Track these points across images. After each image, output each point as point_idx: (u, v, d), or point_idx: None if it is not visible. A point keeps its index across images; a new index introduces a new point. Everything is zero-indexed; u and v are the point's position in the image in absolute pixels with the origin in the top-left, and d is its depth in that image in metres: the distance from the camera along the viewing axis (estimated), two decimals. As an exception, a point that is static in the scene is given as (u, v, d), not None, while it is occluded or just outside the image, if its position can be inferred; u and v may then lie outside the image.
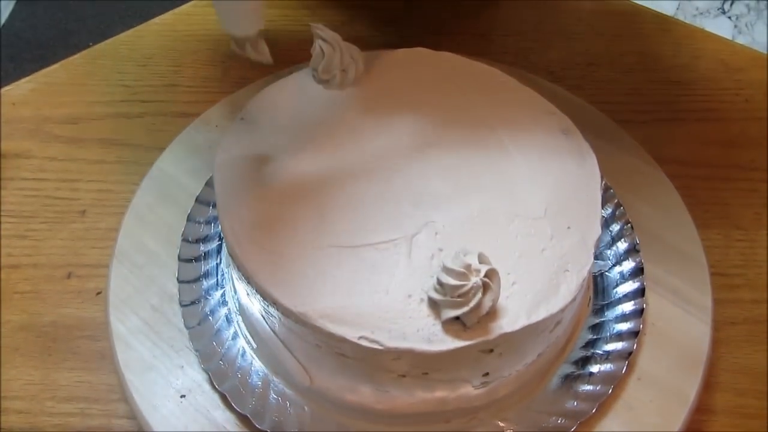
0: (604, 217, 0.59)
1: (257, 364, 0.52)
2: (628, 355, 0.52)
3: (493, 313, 0.43)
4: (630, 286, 0.56)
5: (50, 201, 0.66)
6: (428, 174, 0.51)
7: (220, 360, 0.52)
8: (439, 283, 0.43)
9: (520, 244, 0.47)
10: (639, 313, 0.55)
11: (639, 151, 0.66)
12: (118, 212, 0.63)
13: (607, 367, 0.52)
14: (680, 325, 0.55)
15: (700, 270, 0.58)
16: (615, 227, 0.60)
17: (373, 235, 0.47)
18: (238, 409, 0.49)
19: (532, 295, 0.45)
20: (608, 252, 0.59)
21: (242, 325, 0.54)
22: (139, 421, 0.51)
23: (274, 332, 0.49)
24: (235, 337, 0.54)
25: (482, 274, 0.42)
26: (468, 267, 0.42)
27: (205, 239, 0.59)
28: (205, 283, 0.57)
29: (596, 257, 0.53)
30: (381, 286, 0.45)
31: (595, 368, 0.52)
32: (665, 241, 0.60)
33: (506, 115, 0.55)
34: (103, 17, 1.90)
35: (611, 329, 0.54)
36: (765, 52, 0.83)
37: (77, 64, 0.79)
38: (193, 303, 0.55)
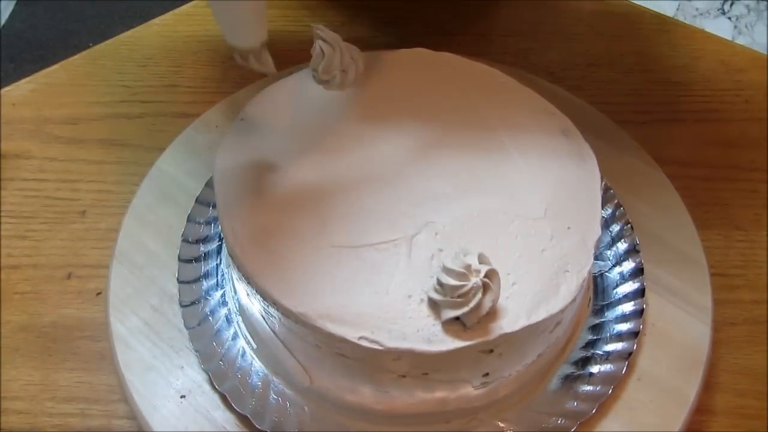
0: (604, 217, 0.59)
1: (257, 365, 0.52)
2: (628, 356, 0.52)
3: (493, 314, 0.43)
4: (630, 287, 0.56)
5: (50, 201, 0.66)
6: (428, 174, 0.51)
7: (220, 360, 0.52)
8: (439, 283, 0.43)
9: (520, 245, 0.47)
10: (639, 313, 0.55)
11: (639, 152, 0.66)
12: (118, 213, 0.63)
13: (607, 367, 0.52)
14: (680, 326, 0.55)
15: (700, 270, 0.58)
16: (615, 228, 0.60)
17: (373, 235, 0.47)
18: (238, 410, 0.49)
19: (532, 295, 0.45)
20: (608, 252, 0.59)
21: (242, 325, 0.54)
22: (139, 422, 0.51)
23: (274, 332, 0.49)
24: (235, 337, 0.54)
25: (482, 274, 0.42)
26: (468, 267, 0.42)
27: (205, 240, 0.59)
28: (205, 284, 0.57)
29: (596, 258, 0.53)
30: (381, 287, 0.45)
31: (595, 369, 0.52)
32: (665, 241, 0.60)
33: (506, 115, 0.55)
34: (103, 18, 1.90)
35: (611, 330, 0.54)
36: (765, 52, 0.83)
37: (77, 64, 0.79)
38: (193, 303, 0.55)
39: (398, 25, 0.84)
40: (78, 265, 0.62)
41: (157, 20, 0.84)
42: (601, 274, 0.58)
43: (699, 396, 0.52)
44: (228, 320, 0.55)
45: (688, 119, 0.75)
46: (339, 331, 0.43)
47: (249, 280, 0.46)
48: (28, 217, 0.65)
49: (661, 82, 0.79)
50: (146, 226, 0.61)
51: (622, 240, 0.59)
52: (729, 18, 1.95)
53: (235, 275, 0.52)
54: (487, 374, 0.47)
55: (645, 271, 0.57)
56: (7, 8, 1.92)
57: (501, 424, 0.50)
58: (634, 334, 0.53)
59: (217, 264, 0.58)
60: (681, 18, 1.86)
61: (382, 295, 0.44)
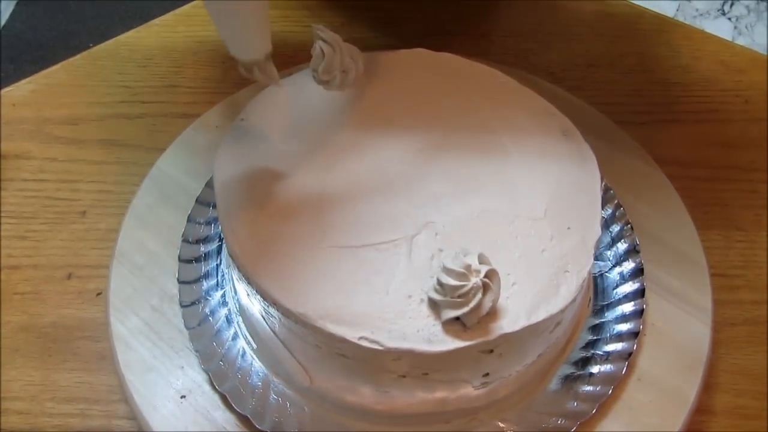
0: (604, 217, 0.59)
1: (257, 365, 0.53)
2: (628, 356, 0.52)
3: (493, 314, 0.43)
4: (630, 287, 0.56)
5: (50, 202, 0.66)
6: (428, 174, 0.51)
7: (221, 360, 0.52)
8: (439, 283, 0.43)
9: (520, 245, 0.47)
10: (639, 313, 0.55)
11: (639, 152, 0.66)
12: (118, 213, 0.63)
13: (607, 367, 0.52)
14: (680, 326, 0.55)
15: (700, 271, 0.58)
16: (615, 228, 0.60)
17: (374, 235, 0.47)
18: (238, 410, 0.49)
19: (532, 295, 0.45)
20: (608, 253, 0.59)
21: (242, 325, 0.54)
22: (139, 422, 0.51)
23: (274, 333, 0.49)
24: (235, 337, 0.54)
25: (482, 274, 0.42)
26: (468, 267, 0.42)
27: (206, 240, 0.59)
28: (206, 284, 0.57)
29: (596, 258, 0.53)
30: (381, 287, 0.45)
31: (595, 369, 0.52)
32: (665, 242, 0.60)
33: (506, 116, 0.55)
34: (104, 18, 1.90)
35: (611, 330, 0.54)
36: (765, 53, 0.83)
37: (77, 65, 0.79)
38: (193, 304, 0.55)
39: (398, 26, 0.84)
40: (78, 265, 0.62)
41: (157, 21, 0.84)
42: (601, 275, 0.58)
43: (699, 396, 0.52)
44: (228, 320, 0.55)
45: (688, 120, 0.75)
46: (339, 331, 0.43)
47: (249, 280, 0.46)
48: (29, 218, 0.65)
49: (661, 82, 0.79)
50: (146, 226, 0.61)
51: (622, 240, 0.59)
52: (729, 18, 1.95)
53: (235, 275, 0.52)
54: (487, 374, 0.47)
55: (645, 271, 0.57)
56: (8, 9, 1.93)
57: (501, 425, 0.50)
58: (634, 335, 0.53)
59: (217, 264, 0.58)
60: (681, 18, 1.86)
61: (382, 295, 0.44)
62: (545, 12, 0.87)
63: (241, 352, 0.53)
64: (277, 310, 0.45)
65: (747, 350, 0.58)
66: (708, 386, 0.54)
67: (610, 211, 0.61)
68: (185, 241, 0.59)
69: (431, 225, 0.48)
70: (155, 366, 0.53)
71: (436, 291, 0.43)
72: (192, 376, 0.53)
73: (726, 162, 0.71)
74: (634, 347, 0.53)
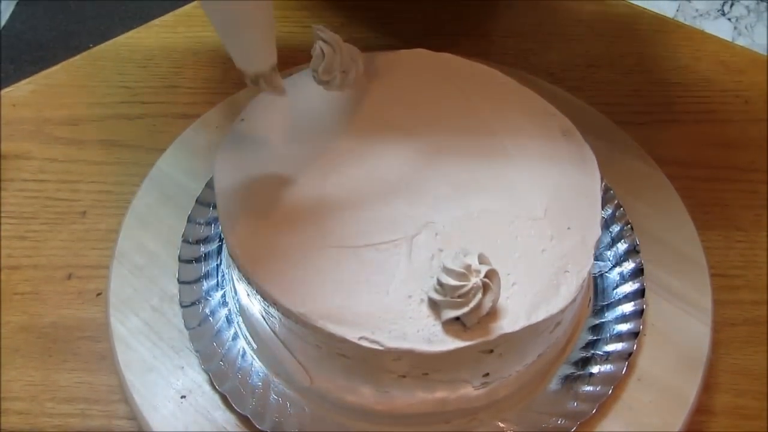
0: (604, 218, 0.59)
1: (257, 365, 0.53)
2: (628, 356, 0.52)
3: (493, 314, 0.43)
4: (630, 287, 0.56)
5: (50, 202, 0.66)
6: (428, 174, 0.51)
7: (221, 361, 0.52)
8: (439, 283, 0.43)
9: (520, 245, 0.47)
10: (639, 314, 0.55)
11: (639, 153, 0.66)
12: (118, 213, 0.63)
13: (607, 367, 0.52)
14: (680, 326, 0.55)
15: (700, 271, 0.59)
16: (615, 228, 0.60)
17: (374, 235, 0.47)
18: (238, 410, 0.49)
19: (532, 295, 0.45)
20: (608, 253, 0.59)
21: (242, 325, 0.54)
22: (139, 422, 0.51)
23: (274, 333, 0.49)
24: (235, 337, 0.54)
25: (482, 274, 0.42)
26: (468, 267, 0.42)
27: (206, 240, 0.59)
28: (206, 284, 0.57)
29: (596, 258, 0.53)
30: (381, 287, 0.45)
31: (595, 369, 0.52)
32: (665, 242, 0.60)
33: (506, 116, 0.55)
34: (104, 19, 1.90)
35: (611, 330, 0.54)
36: (765, 53, 0.83)
37: (78, 65, 0.79)
38: (193, 304, 0.55)
39: (398, 26, 0.84)
40: (78, 265, 0.62)
41: (157, 21, 0.84)
42: (601, 275, 0.58)
43: (699, 396, 0.52)
44: (228, 321, 0.55)
45: (688, 120, 0.75)
46: (339, 331, 0.43)
47: (249, 280, 0.46)
48: (29, 218, 0.65)
49: (661, 82, 0.79)
50: (146, 226, 0.61)
51: (622, 240, 0.59)
52: (729, 19, 1.95)
53: (235, 275, 0.53)
54: (487, 374, 0.47)
55: (645, 271, 0.57)
56: (8, 9, 1.93)
57: (501, 425, 0.50)
58: (634, 335, 0.53)
59: (217, 264, 0.58)
60: (681, 19, 1.86)
61: (383, 295, 0.44)
62: (545, 12, 0.87)
63: (241, 353, 0.53)
64: (278, 310, 0.45)
65: (747, 350, 0.58)
66: (708, 386, 0.54)
67: (610, 211, 0.61)
68: (185, 241, 0.59)
69: (431, 225, 0.48)
70: (155, 366, 0.53)
71: (436, 291, 0.43)
72: (192, 377, 0.53)
73: (726, 162, 0.71)
74: (634, 347, 0.53)
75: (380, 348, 0.42)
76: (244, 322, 0.54)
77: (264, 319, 0.50)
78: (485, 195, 0.50)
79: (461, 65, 0.59)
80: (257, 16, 0.46)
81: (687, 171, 0.68)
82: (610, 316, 0.55)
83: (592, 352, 0.53)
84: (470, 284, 0.41)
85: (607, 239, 0.60)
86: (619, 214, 0.60)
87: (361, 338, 0.42)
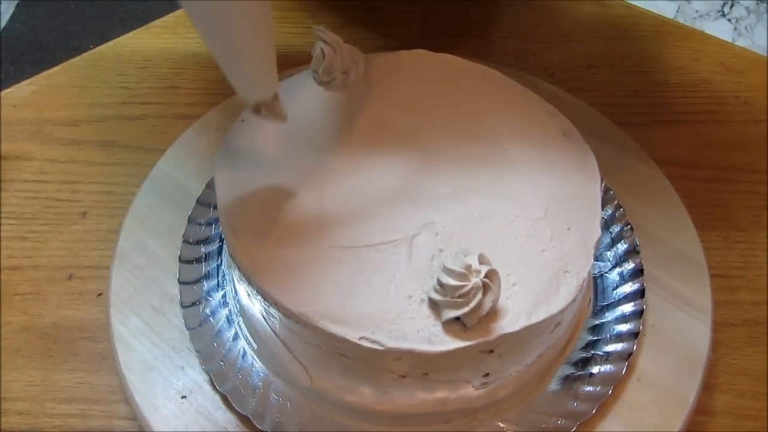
0: (604, 218, 0.59)
1: (258, 365, 0.53)
2: (628, 356, 0.52)
3: (493, 314, 0.43)
4: (630, 288, 0.56)
5: (51, 203, 0.66)
6: (428, 175, 0.51)
7: (221, 361, 0.52)
8: (440, 283, 0.43)
9: (520, 245, 0.47)
10: (639, 314, 0.55)
11: (639, 153, 0.66)
12: (118, 214, 0.63)
13: (607, 368, 0.52)
14: (680, 327, 0.56)
15: (700, 271, 0.59)
16: (615, 228, 0.60)
17: (374, 235, 0.47)
18: (238, 410, 0.50)
19: (532, 295, 0.45)
20: (608, 253, 0.59)
21: (243, 326, 0.54)
22: (139, 422, 0.51)
23: (274, 333, 0.49)
24: (235, 338, 0.54)
25: (482, 274, 0.42)
26: (468, 268, 0.42)
27: (206, 241, 0.59)
28: (206, 285, 0.57)
29: (596, 258, 0.53)
30: (381, 287, 0.45)
31: (595, 369, 0.52)
32: (665, 242, 0.60)
33: (506, 116, 0.56)
34: (104, 20, 1.90)
35: (611, 330, 0.54)
36: (764, 54, 0.83)
37: (78, 66, 0.79)
38: (193, 304, 0.55)
39: (398, 27, 0.84)
40: (79, 266, 0.62)
41: (157, 22, 0.84)
42: (601, 275, 0.58)
43: (699, 396, 0.52)
44: (229, 321, 0.55)
45: (688, 121, 0.75)
46: (339, 331, 0.43)
47: (250, 280, 0.46)
48: (29, 219, 0.65)
49: (661, 83, 0.79)
50: (147, 227, 0.61)
51: (622, 241, 0.59)
52: (729, 20, 1.95)
53: (235, 276, 0.53)
54: (487, 374, 0.47)
55: (645, 272, 0.57)
56: (8, 10, 1.93)
57: (501, 425, 0.50)
58: (634, 335, 0.54)
59: (217, 265, 0.58)
60: (681, 20, 1.87)
61: (383, 295, 0.44)
62: (545, 13, 0.87)
63: (241, 353, 0.53)
64: (278, 311, 0.45)
65: (747, 351, 0.58)
66: (708, 387, 0.54)
67: (610, 211, 0.61)
68: (186, 241, 0.59)
69: (431, 225, 0.48)
70: (156, 366, 0.53)
71: (437, 291, 0.43)
72: (193, 377, 0.53)
73: (726, 163, 0.71)
74: (634, 348, 0.53)
75: (380, 348, 0.42)
76: (244, 322, 0.54)
77: (264, 319, 0.50)
78: (485, 195, 0.50)
79: (461, 66, 0.59)
80: (259, 46, 0.45)
81: (687, 171, 0.68)
82: (610, 316, 0.55)
83: (592, 352, 0.53)
84: (470, 284, 0.41)
85: (607, 240, 0.60)
86: (619, 214, 0.61)
87: (361, 338, 0.43)
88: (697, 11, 1.97)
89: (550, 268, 0.46)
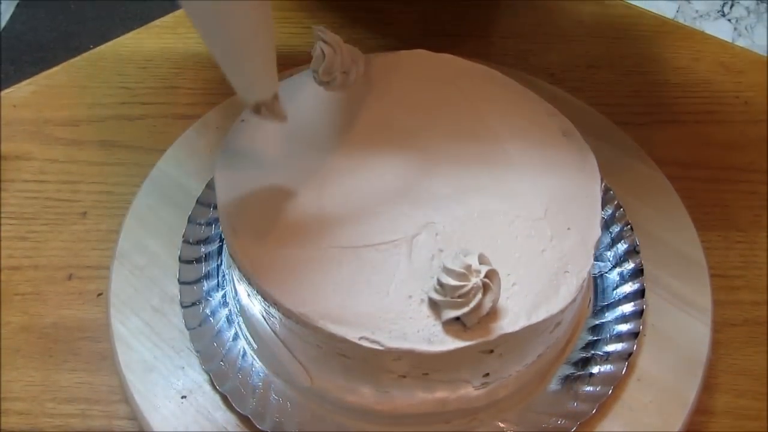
0: (603, 218, 0.59)
1: (258, 365, 0.53)
2: (628, 356, 0.52)
3: (493, 314, 0.43)
4: (630, 288, 0.56)
5: (51, 203, 0.66)
6: (428, 175, 0.51)
7: (221, 361, 0.52)
8: (440, 283, 0.43)
9: (520, 245, 0.47)
10: (639, 314, 0.55)
11: (639, 153, 0.66)
12: (119, 214, 0.63)
13: (607, 368, 0.52)
14: (680, 327, 0.56)
15: (700, 271, 0.59)
16: (615, 229, 0.60)
17: (374, 236, 0.47)
18: (238, 410, 0.50)
19: (532, 295, 0.45)
20: (608, 253, 0.59)
21: (243, 326, 0.54)
22: (140, 422, 0.51)
23: (274, 333, 0.49)
24: (235, 338, 0.54)
25: (482, 274, 0.42)
26: (468, 268, 0.42)
27: (206, 241, 0.59)
28: (206, 285, 0.57)
29: (596, 258, 0.53)
30: (381, 287, 0.45)
31: (595, 369, 0.52)
32: (665, 242, 0.60)
33: (506, 116, 0.56)
34: (104, 20, 1.90)
35: (611, 330, 0.54)
36: (765, 54, 0.83)
37: (78, 66, 0.79)
38: (193, 304, 0.55)
39: (398, 27, 0.84)
40: (79, 266, 0.62)
41: (157, 22, 0.84)
42: (601, 275, 0.58)
43: (699, 396, 0.52)
44: (229, 321, 0.55)
45: (688, 121, 0.75)
46: (339, 331, 0.43)
47: (250, 280, 0.46)
48: (29, 219, 0.65)
49: (661, 83, 0.79)
50: (147, 227, 0.61)
51: (622, 241, 0.59)
52: (729, 20, 1.95)
53: (235, 276, 0.53)
54: (487, 374, 0.47)
55: (645, 272, 0.57)
56: (8, 10, 1.93)
57: (501, 425, 0.50)
58: (634, 335, 0.54)
59: (217, 265, 0.58)
60: (681, 20, 1.87)
61: (383, 295, 0.44)
62: (545, 13, 0.87)
63: (241, 353, 0.53)
64: (278, 311, 0.45)
65: (747, 351, 0.58)
66: (708, 387, 0.54)
67: (610, 211, 0.61)
68: (186, 241, 0.59)
69: (431, 225, 0.48)
70: (156, 366, 0.53)
71: (437, 291, 0.43)
72: (193, 377, 0.53)
73: (726, 163, 0.71)
74: (634, 348, 0.53)
75: (380, 348, 0.42)
76: (244, 322, 0.54)
77: (264, 319, 0.50)
78: (485, 195, 0.50)
79: (461, 66, 0.59)
80: (259, 46, 0.45)
81: (687, 171, 0.69)
82: (610, 316, 0.55)
83: (592, 352, 0.53)
84: (470, 284, 0.41)
85: (607, 240, 0.60)
86: (619, 214, 0.61)
87: (361, 338, 0.43)
88: (697, 11, 1.97)
89: (550, 268, 0.46)
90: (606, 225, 0.60)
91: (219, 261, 0.58)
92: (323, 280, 0.45)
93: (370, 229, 0.48)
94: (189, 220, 0.60)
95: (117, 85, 0.77)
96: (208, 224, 0.60)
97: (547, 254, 0.47)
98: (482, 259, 0.43)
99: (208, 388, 0.52)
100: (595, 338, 0.54)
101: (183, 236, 0.59)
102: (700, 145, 0.72)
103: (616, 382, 0.51)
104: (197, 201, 0.61)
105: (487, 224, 0.48)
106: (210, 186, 0.61)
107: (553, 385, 0.52)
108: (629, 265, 0.58)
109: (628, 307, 0.55)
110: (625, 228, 0.60)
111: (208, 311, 0.55)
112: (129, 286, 0.57)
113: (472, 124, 0.55)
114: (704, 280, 0.58)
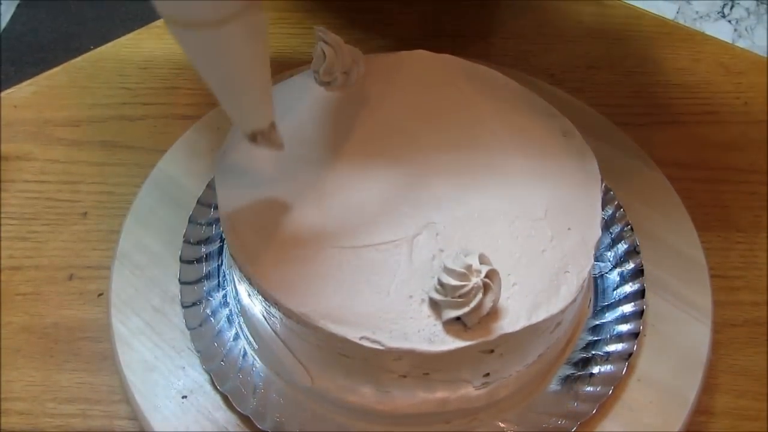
0: (604, 218, 0.59)
1: (258, 365, 0.53)
2: (628, 357, 0.52)
3: (493, 314, 0.43)
4: (630, 288, 0.57)
5: (52, 203, 0.66)
6: (429, 175, 0.51)
7: (222, 361, 0.52)
8: (440, 283, 0.43)
9: (520, 245, 0.47)
10: (639, 314, 0.55)
11: (639, 154, 0.66)
12: (119, 214, 0.63)
13: (607, 368, 0.52)
14: (680, 327, 0.56)
15: (700, 272, 0.59)
16: (615, 229, 0.60)
17: (375, 236, 0.47)
18: (239, 410, 0.50)
19: (532, 295, 0.45)
20: (608, 254, 0.59)
21: (243, 326, 0.54)
22: (140, 422, 0.51)
23: (275, 333, 0.49)
24: (236, 338, 0.54)
25: (483, 274, 0.42)
26: (469, 267, 0.42)
27: (207, 241, 0.59)
28: (207, 285, 0.57)
29: (596, 259, 0.53)
30: (382, 287, 0.45)
31: (595, 369, 0.52)
32: (665, 243, 0.60)
33: (507, 117, 0.56)
34: (104, 20, 1.90)
35: (611, 331, 0.55)
36: (765, 55, 0.83)
37: (79, 66, 0.79)
38: (194, 304, 0.55)
39: (398, 28, 0.84)
40: (79, 266, 0.62)
41: (158, 22, 0.84)
42: (602, 275, 0.58)
43: (699, 397, 0.52)
44: (229, 321, 0.55)
45: (688, 121, 0.75)
46: (340, 331, 0.43)
47: (250, 280, 0.46)
48: (30, 219, 0.65)
49: (661, 84, 0.79)
50: (148, 227, 0.61)
51: (623, 241, 0.59)
52: (729, 21, 1.95)
53: (236, 276, 0.53)
54: (487, 374, 0.47)
55: (645, 272, 0.57)
56: (8, 11, 1.93)
57: (501, 425, 0.50)
58: (634, 335, 0.54)
59: (218, 265, 0.58)
60: (681, 21, 1.87)
61: (383, 295, 0.44)
62: (545, 14, 0.87)
63: (242, 353, 0.53)
64: (279, 311, 0.45)
65: (747, 351, 0.58)
66: (708, 387, 0.54)
67: (610, 212, 0.61)
68: (186, 241, 0.59)
69: (432, 225, 0.48)
70: (156, 366, 0.53)
71: (437, 291, 0.43)
72: (193, 377, 0.53)
73: (726, 164, 0.71)
74: (634, 348, 0.53)
75: (381, 348, 0.42)
76: (245, 322, 0.54)
77: (265, 319, 0.50)
78: (486, 195, 0.50)
79: (462, 66, 0.59)
80: (254, 79, 0.45)
81: (687, 172, 0.69)
82: (610, 316, 0.55)
83: (593, 352, 0.53)
84: (471, 284, 0.42)
85: (608, 240, 0.60)
86: (619, 215, 0.61)
87: (362, 338, 0.43)
88: (697, 12, 1.97)
89: (551, 268, 0.46)
90: (606, 225, 0.60)
91: (220, 261, 0.58)
92: (324, 280, 0.45)
93: (370, 229, 0.48)
94: (190, 220, 0.60)
95: (117, 85, 0.77)
96: (209, 224, 0.60)
97: (547, 254, 0.47)
98: (483, 259, 0.43)
99: (208, 388, 0.52)
100: (596, 338, 0.54)
101: (184, 236, 0.59)
102: (701, 146, 0.72)
103: (617, 383, 0.51)
104: (198, 201, 0.61)
105: (487, 224, 0.48)
106: (211, 186, 0.61)
107: (554, 385, 0.52)
108: (629, 266, 0.58)
109: (628, 308, 0.55)
110: (625, 228, 0.60)
111: (208, 311, 0.55)
112: (130, 286, 0.57)
113: (473, 124, 0.55)
114: (704, 280, 0.58)
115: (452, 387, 0.48)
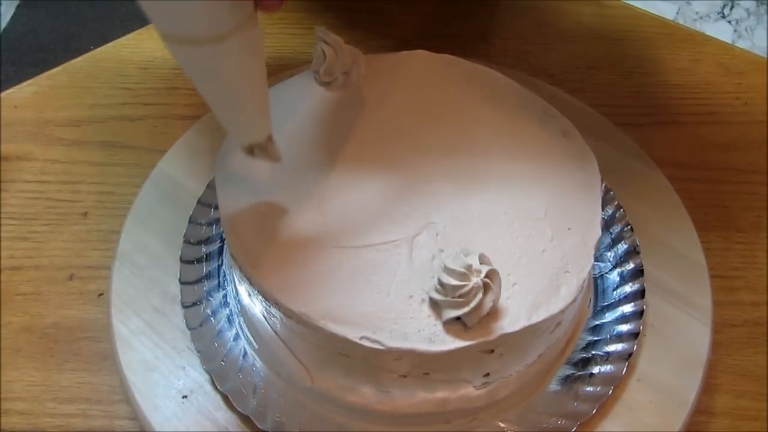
0: (604, 219, 0.59)
1: (259, 365, 0.53)
2: (628, 357, 0.52)
3: (493, 314, 0.43)
4: (630, 288, 0.57)
5: (52, 203, 0.66)
6: (429, 175, 0.51)
7: (222, 361, 0.52)
8: (440, 283, 0.43)
9: (520, 245, 0.47)
10: (639, 314, 0.55)
11: (639, 154, 0.66)
12: (119, 214, 0.63)
13: (607, 368, 0.52)
14: (680, 327, 0.56)
15: (700, 272, 0.59)
16: (615, 229, 0.60)
17: (375, 235, 0.47)
18: (239, 410, 0.50)
19: (532, 295, 0.45)
20: (608, 254, 0.59)
21: (244, 326, 0.54)
22: (140, 422, 0.51)
23: (275, 333, 0.49)
24: (236, 338, 0.54)
25: (483, 274, 0.42)
26: (469, 267, 0.42)
27: (207, 241, 0.59)
28: (207, 285, 0.57)
29: (596, 259, 0.53)
30: (382, 287, 0.45)
31: (595, 369, 0.52)
32: (665, 243, 0.60)
33: (507, 117, 0.56)
34: (104, 21, 1.90)
35: (611, 331, 0.55)
36: (765, 56, 0.83)
37: (79, 67, 0.79)
38: (194, 304, 0.55)
39: (398, 28, 0.84)
40: (80, 266, 0.62)
41: (158, 23, 0.84)
42: (602, 276, 0.58)
43: (699, 397, 0.52)
44: (229, 321, 0.55)
45: (688, 122, 0.75)
46: (340, 331, 0.43)
47: (250, 280, 0.46)
48: (30, 219, 0.65)
49: (661, 85, 0.79)
50: (148, 227, 0.61)
51: (623, 241, 0.59)
52: (729, 21, 1.95)
53: (236, 276, 0.53)
54: (487, 374, 0.47)
55: (645, 272, 0.57)
56: (8, 11, 1.93)
57: (501, 425, 0.50)
58: (634, 335, 0.54)
59: (218, 265, 0.58)
60: (681, 21, 1.87)
61: (384, 295, 0.45)
62: (546, 14, 0.87)
63: (242, 353, 0.53)
64: (279, 310, 0.45)
65: (747, 351, 0.58)
66: (708, 387, 0.54)
67: (610, 212, 0.61)
68: (187, 242, 0.59)
69: (432, 225, 0.48)
70: (157, 366, 0.53)
71: (437, 291, 0.43)
72: (194, 377, 0.53)
73: (726, 164, 0.71)
74: (634, 348, 0.53)
75: (381, 348, 0.42)
76: (245, 322, 0.54)
77: (265, 319, 0.50)
78: (486, 195, 0.50)
79: (462, 67, 0.59)
80: (251, 94, 0.45)
81: (687, 172, 0.69)
82: (610, 316, 0.55)
83: (593, 352, 0.53)
84: (471, 284, 0.42)
85: (608, 240, 0.60)
86: (619, 215, 0.61)
87: (362, 338, 0.43)
88: (697, 13, 1.97)
89: (551, 268, 0.46)
90: (606, 225, 0.60)
91: (220, 261, 0.58)
92: (324, 280, 0.45)
93: (370, 229, 0.48)
94: (190, 221, 0.60)
95: (118, 85, 0.77)
96: (209, 224, 0.60)
97: (547, 254, 0.47)
98: (483, 259, 0.43)
99: (209, 387, 0.52)
100: (596, 338, 0.54)
101: (184, 236, 0.59)
102: (700, 146, 0.72)
103: (617, 383, 0.51)
104: (198, 201, 0.61)
105: (487, 224, 0.48)
106: (211, 186, 0.61)
107: (554, 385, 0.52)
108: (629, 266, 0.58)
109: (628, 308, 0.55)
110: (625, 228, 0.60)
111: (209, 311, 0.55)
112: (130, 286, 0.57)
113: (473, 124, 0.55)
114: (704, 280, 0.58)
115: (452, 387, 0.48)
